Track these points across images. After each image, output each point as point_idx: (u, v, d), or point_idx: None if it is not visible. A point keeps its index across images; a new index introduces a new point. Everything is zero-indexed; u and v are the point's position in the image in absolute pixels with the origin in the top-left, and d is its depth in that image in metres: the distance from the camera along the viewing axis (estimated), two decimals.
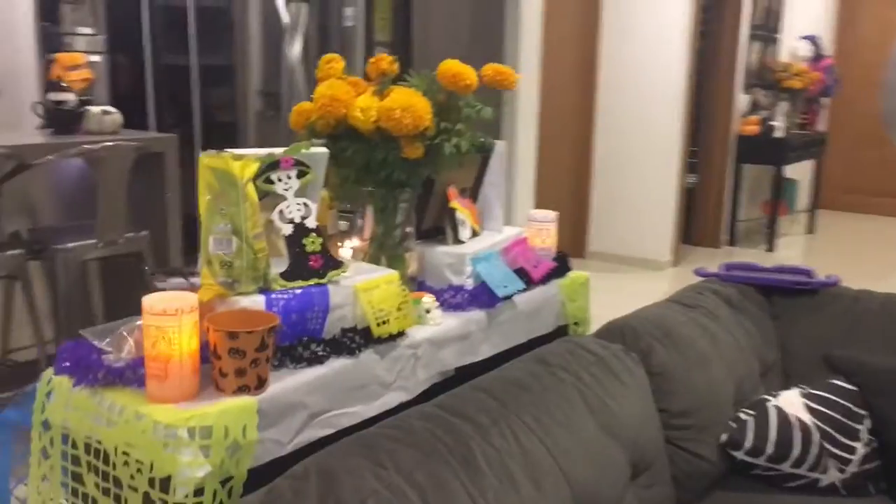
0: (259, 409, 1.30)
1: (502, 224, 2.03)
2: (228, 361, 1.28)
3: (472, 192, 1.96)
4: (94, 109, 3.34)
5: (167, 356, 1.24)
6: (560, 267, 2.08)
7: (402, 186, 1.67)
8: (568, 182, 6.17)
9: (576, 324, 2.12)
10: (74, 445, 1.33)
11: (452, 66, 1.61)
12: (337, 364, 1.46)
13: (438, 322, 1.69)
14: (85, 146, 3.04)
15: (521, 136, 4.54)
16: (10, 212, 3.21)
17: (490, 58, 4.57)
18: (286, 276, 1.46)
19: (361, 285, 1.53)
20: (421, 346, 1.63)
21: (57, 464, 1.34)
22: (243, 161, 1.37)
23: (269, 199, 1.48)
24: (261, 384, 1.31)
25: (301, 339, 1.44)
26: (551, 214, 2.12)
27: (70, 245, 3.04)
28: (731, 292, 2.29)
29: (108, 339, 1.35)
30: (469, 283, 1.80)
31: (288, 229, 1.48)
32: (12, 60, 4.88)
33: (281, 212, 1.48)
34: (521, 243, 2.00)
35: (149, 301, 1.24)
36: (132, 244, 3.20)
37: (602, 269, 5.99)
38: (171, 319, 1.23)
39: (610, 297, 4.85)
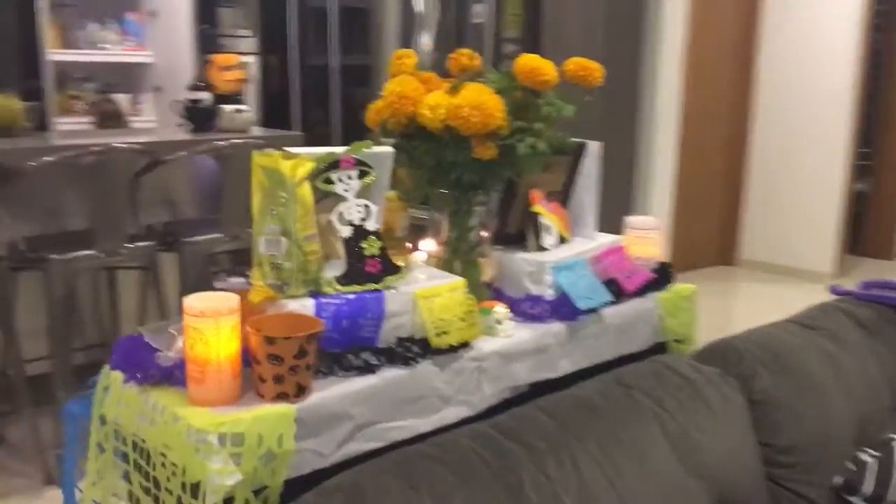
0: (298, 417, 1.25)
1: (595, 231, 1.90)
2: (267, 367, 1.24)
3: (562, 197, 1.84)
4: (228, 108, 3.47)
5: (204, 359, 1.22)
6: (660, 278, 1.92)
7: (475, 188, 1.59)
8: (718, 184, 5.82)
9: (678, 341, 1.95)
10: (125, 442, 1.34)
11: (530, 61, 1.50)
12: (390, 374, 1.39)
13: (510, 334, 1.59)
14: (215, 143, 3.15)
15: (660, 136, 4.31)
16: (148, 205, 3.39)
17: (627, 55, 4.37)
18: (342, 280, 1.42)
19: (422, 292, 1.46)
20: (488, 359, 1.54)
21: (110, 459, 1.36)
22: (295, 160, 1.33)
23: (329, 199, 1.44)
24: (300, 392, 1.27)
25: (353, 346, 1.39)
26: (653, 221, 1.96)
27: (198, 238, 3.17)
28: (866, 314, 2.03)
29: (161, 337, 1.35)
30: (549, 294, 1.68)
31: (346, 231, 1.43)
32: (172, 61, 5.19)
33: (340, 213, 1.43)
34: (614, 252, 1.86)
35: (189, 301, 1.22)
36: None
37: (753, 279, 5.62)
38: (208, 321, 1.21)
39: (758, 309, 4.52)
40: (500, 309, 1.59)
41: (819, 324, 1.92)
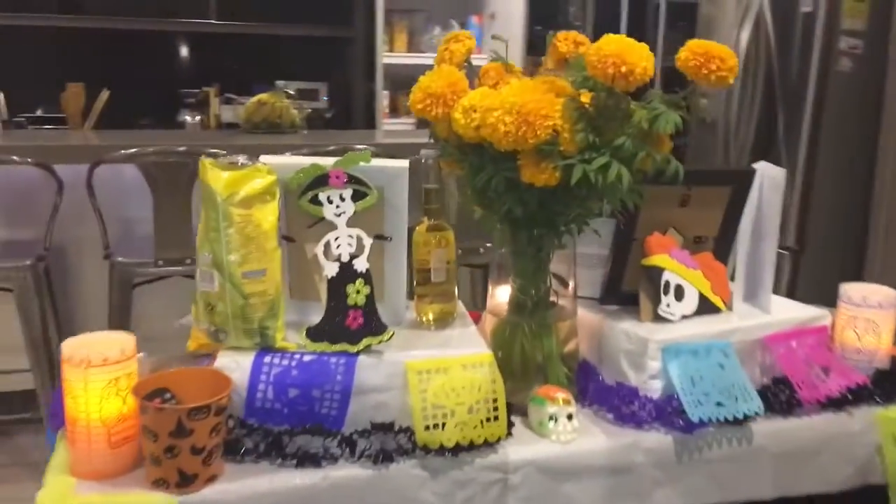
0: None
1: (769, 299, 1.27)
2: (144, 442, 0.95)
3: (717, 245, 1.25)
4: None
5: (73, 417, 0.96)
6: (885, 385, 1.23)
7: (533, 225, 1.11)
8: None
9: None
10: None
11: (609, 43, 0.99)
12: (348, 473, 1.01)
13: (567, 438, 1.09)
14: None
15: None
16: None
17: None
18: (312, 333, 1.07)
19: (417, 364, 1.05)
20: (519, 472, 1.06)
21: None
22: (236, 172, 1.01)
23: (323, 225, 1.09)
24: (185, 482, 0.95)
25: (308, 427, 1.03)
26: (890, 295, 1.26)
27: None
28: None
29: None
30: (655, 388, 1.14)
31: (332, 270, 1.08)
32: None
33: (327, 245, 1.08)
34: (806, 335, 1.23)
35: (69, 343, 0.98)
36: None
37: None
38: (75, 371, 0.95)
39: None
40: (562, 395, 1.10)
41: None
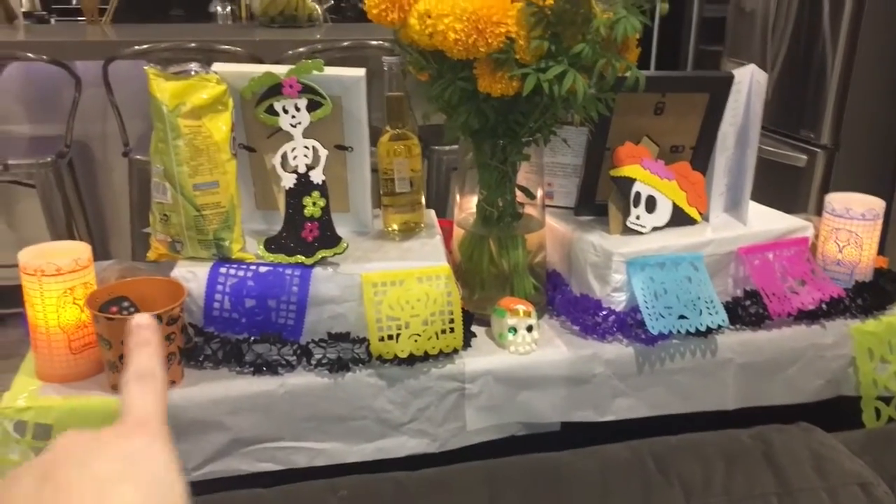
0: None
1: (747, 210, 1.23)
2: (101, 349, 0.98)
3: (695, 155, 1.21)
4: None
5: (33, 324, 1.00)
6: (866, 297, 1.20)
7: (490, 136, 1.08)
8: None
9: (886, 400, 1.22)
10: None
11: None
12: (302, 381, 1.04)
13: (525, 350, 1.10)
14: None
15: None
16: None
17: None
18: (270, 245, 1.07)
19: (372, 276, 1.05)
20: (477, 381, 1.08)
21: None
22: (178, 82, 1.00)
23: (281, 135, 1.08)
24: None
25: (266, 335, 1.05)
26: (875, 203, 1.21)
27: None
28: None
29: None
30: (619, 300, 1.13)
31: (290, 181, 1.07)
32: None
33: (285, 156, 1.07)
34: (778, 247, 1.19)
35: (25, 252, 1.00)
36: None
37: None
38: (31, 280, 0.98)
39: None
40: (521, 308, 1.10)
41: None
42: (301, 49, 2.64)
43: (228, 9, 4.62)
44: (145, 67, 1.01)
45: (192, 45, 2.57)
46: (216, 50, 2.54)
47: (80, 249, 1.00)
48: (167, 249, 1.06)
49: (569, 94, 0.98)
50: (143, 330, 0.42)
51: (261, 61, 2.47)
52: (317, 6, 3.33)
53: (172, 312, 0.97)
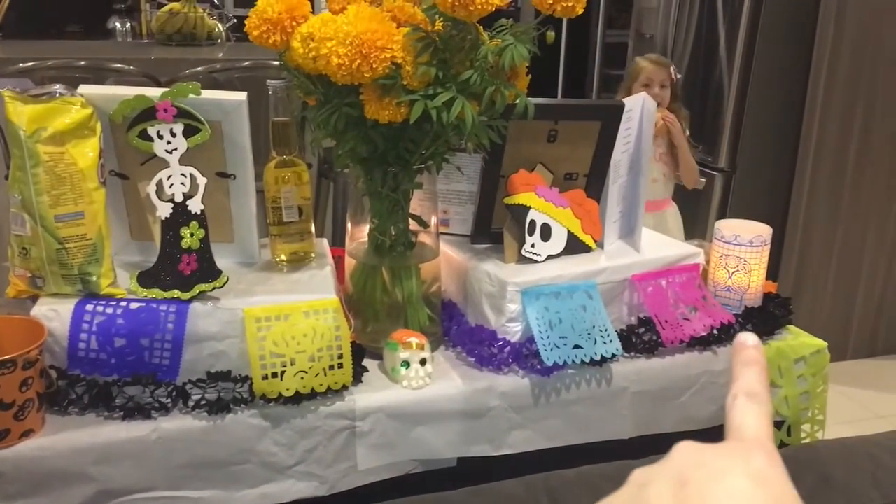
0: None
1: (640, 237, 1.23)
2: None
3: (589, 182, 1.20)
4: None
5: None
6: (758, 322, 1.21)
7: (379, 163, 1.05)
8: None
9: (777, 425, 1.23)
10: None
11: None
12: (178, 425, 0.97)
13: (419, 384, 1.06)
14: None
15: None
16: None
17: None
18: (142, 279, 1.01)
19: (255, 311, 0.99)
20: (369, 418, 1.03)
21: None
22: (38, 105, 0.93)
23: (155, 162, 1.02)
24: None
25: (138, 376, 0.98)
26: (762, 230, 1.23)
27: None
28: None
29: None
30: (513, 331, 1.10)
31: (165, 210, 1.01)
32: None
33: (160, 184, 1.01)
34: (670, 274, 1.19)
35: None
36: None
37: None
38: None
39: None
40: (414, 341, 1.06)
41: None
42: (199, 68, 2.56)
43: (128, 25, 4.47)
44: (2, 91, 0.93)
45: (82, 62, 2.45)
46: (107, 68, 2.43)
47: None
48: (27, 285, 0.98)
49: (458, 121, 0.95)
50: (749, 350, 0.42)
51: (156, 80, 2.37)
52: (218, 24, 3.25)
53: (29, 356, 0.89)
